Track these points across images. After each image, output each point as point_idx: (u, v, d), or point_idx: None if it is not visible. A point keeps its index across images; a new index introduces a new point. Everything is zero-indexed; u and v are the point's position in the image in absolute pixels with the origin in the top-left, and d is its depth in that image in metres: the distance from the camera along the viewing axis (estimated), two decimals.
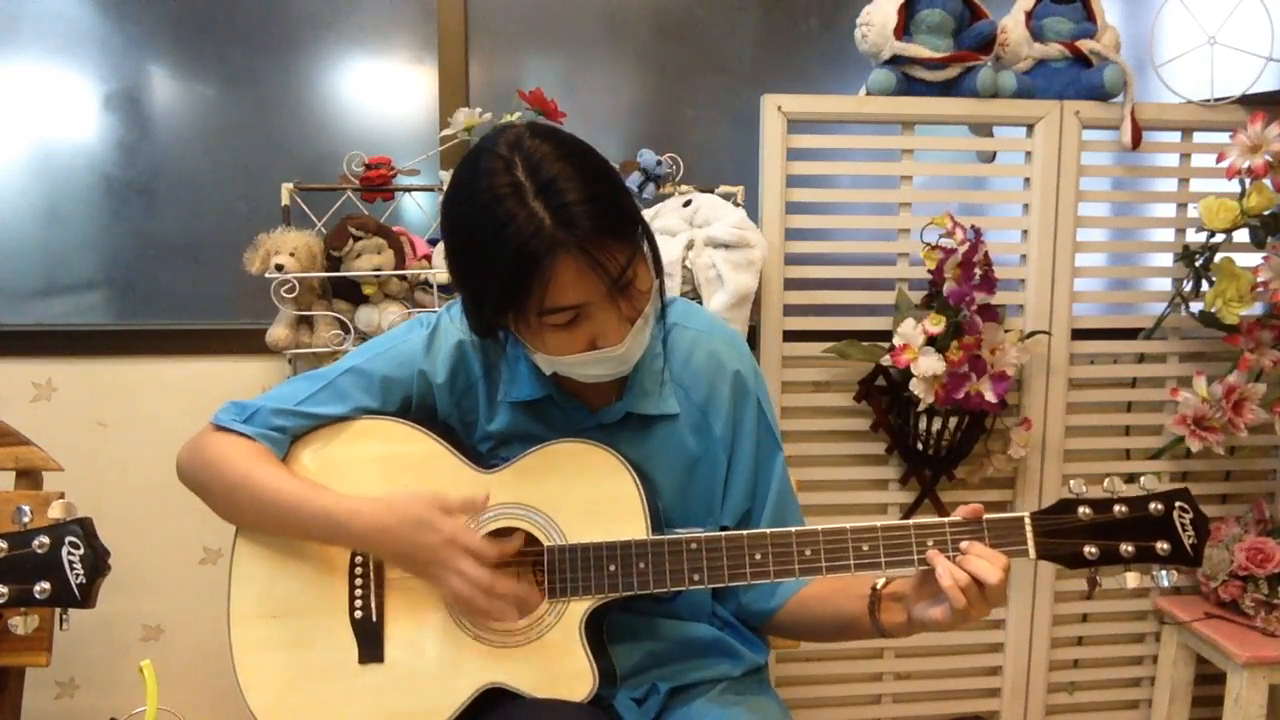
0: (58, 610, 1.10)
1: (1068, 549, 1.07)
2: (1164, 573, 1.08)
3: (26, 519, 1.09)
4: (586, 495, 1.16)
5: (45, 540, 1.07)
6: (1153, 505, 1.07)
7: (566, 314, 1.03)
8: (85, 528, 1.09)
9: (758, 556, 1.12)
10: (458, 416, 1.24)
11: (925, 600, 1.09)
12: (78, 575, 1.07)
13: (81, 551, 1.08)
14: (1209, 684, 2.09)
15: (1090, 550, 1.07)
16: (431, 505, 1.10)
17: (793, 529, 1.12)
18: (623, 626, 1.21)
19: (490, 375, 1.22)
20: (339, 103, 2.11)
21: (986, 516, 1.09)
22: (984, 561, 1.04)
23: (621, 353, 1.08)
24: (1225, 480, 2.14)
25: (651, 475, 1.19)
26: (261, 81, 2.08)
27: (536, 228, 0.98)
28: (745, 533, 1.13)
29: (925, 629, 1.10)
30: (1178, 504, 1.07)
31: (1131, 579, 1.08)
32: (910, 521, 1.10)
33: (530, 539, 1.17)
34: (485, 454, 1.23)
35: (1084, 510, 1.07)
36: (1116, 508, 1.07)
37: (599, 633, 1.17)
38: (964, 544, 1.07)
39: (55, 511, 1.10)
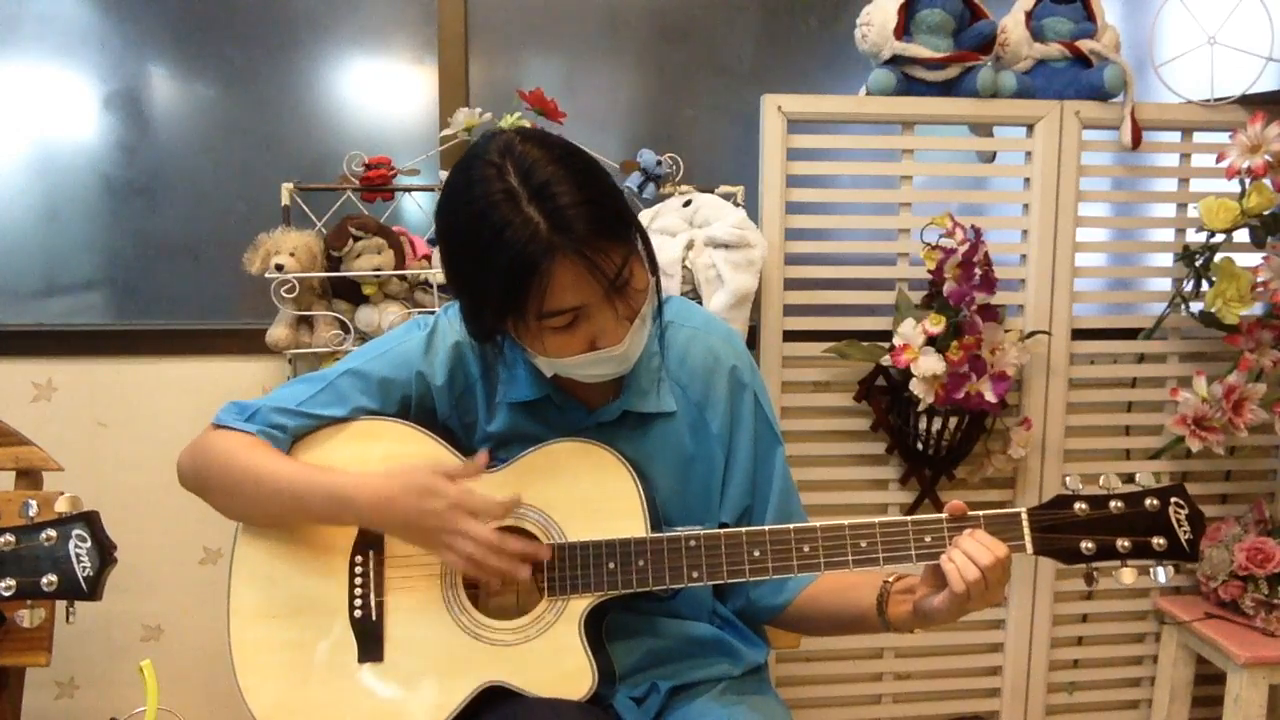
0: (64, 603, 1.11)
1: (1064, 544, 1.08)
2: (1161, 569, 1.09)
3: (33, 513, 1.10)
4: (585, 494, 1.16)
5: (52, 533, 1.09)
6: (1148, 501, 1.08)
7: (565, 316, 1.03)
8: (91, 521, 1.10)
9: (756, 554, 1.12)
10: (457, 418, 1.24)
11: (930, 591, 1.11)
12: (85, 568, 1.09)
13: (88, 544, 1.09)
14: (1209, 684, 2.09)
15: (1087, 546, 1.08)
16: (433, 472, 1.11)
17: (791, 526, 1.13)
18: (622, 625, 1.21)
19: (488, 376, 1.22)
20: (339, 103, 2.11)
21: (984, 513, 1.10)
22: (976, 543, 1.06)
23: (621, 352, 1.08)
24: (1225, 480, 2.14)
25: (649, 473, 1.19)
26: (261, 81, 2.08)
27: (532, 233, 0.98)
28: (744, 530, 1.13)
29: (929, 621, 1.11)
30: (1173, 499, 1.08)
31: (1128, 575, 1.09)
32: (908, 518, 1.11)
33: (530, 537, 1.17)
34: None
35: (1080, 506, 1.09)
36: (1112, 503, 1.08)
37: (598, 631, 1.17)
38: (967, 531, 1.08)
39: (61, 506, 1.11)
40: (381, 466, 1.19)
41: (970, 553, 1.05)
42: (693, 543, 1.13)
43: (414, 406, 1.23)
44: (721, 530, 1.14)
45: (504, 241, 0.99)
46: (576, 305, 1.03)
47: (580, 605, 1.14)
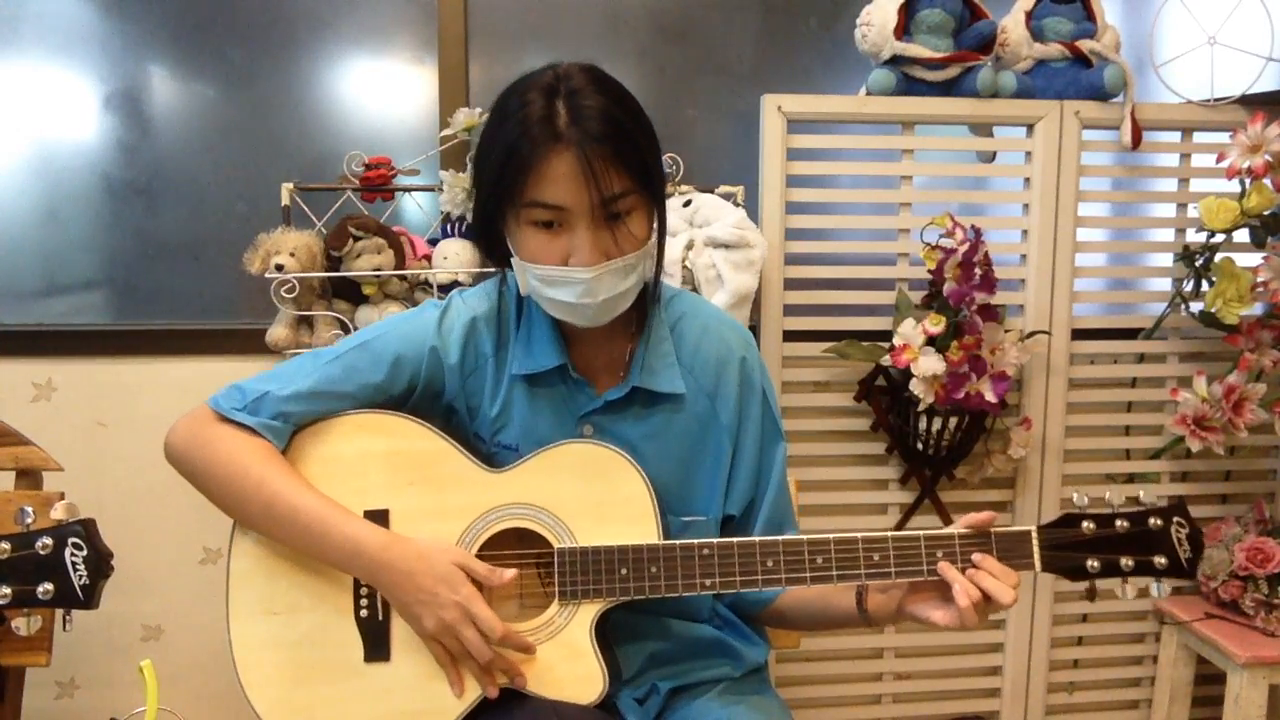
0: (60, 611, 1.10)
1: (1070, 562, 1.11)
2: (1158, 585, 1.12)
3: (29, 520, 1.09)
4: (596, 496, 1.15)
5: (48, 541, 1.07)
6: (1152, 520, 1.11)
7: (547, 212, 1.07)
8: (88, 529, 1.09)
9: (770, 564, 1.12)
10: (464, 398, 1.22)
11: (927, 601, 1.11)
12: (81, 576, 1.07)
13: (84, 553, 1.08)
14: (1209, 684, 2.10)
15: (1092, 564, 1.10)
16: (460, 564, 1.11)
17: (805, 537, 1.13)
18: (624, 626, 1.21)
19: (500, 354, 1.22)
20: (339, 103, 2.11)
21: (994, 530, 1.11)
22: (997, 582, 1.07)
23: (588, 278, 1.08)
24: (1225, 480, 2.14)
25: (654, 456, 1.19)
26: (261, 81, 2.08)
27: (548, 117, 1.04)
28: (758, 539, 1.13)
29: (917, 622, 1.12)
30: (1175, 519, 1.11)
31: (1132, 591, 1.12)
32: (921, 532, 1.11)
33: (538, 539, 1.16)
34: (488, 440, 1.22)
35: (1087, 525, 1.11)
36: (1118, 522, 1.11)
37: (605, 634, 1.17)
38: (975, 557, 1.09)
39: (58, 513, 1.10)
40: (387, 462, 1.17)
41: (990, 590, 1.07)
42: (706, 551, 1.13)
43: (421, 386, 1.21)
44: (735, 540, 1.13)
45: (520, 117, 1.05)
46: (560, 204, 1.06)
47: (591, 610, 1.13)
